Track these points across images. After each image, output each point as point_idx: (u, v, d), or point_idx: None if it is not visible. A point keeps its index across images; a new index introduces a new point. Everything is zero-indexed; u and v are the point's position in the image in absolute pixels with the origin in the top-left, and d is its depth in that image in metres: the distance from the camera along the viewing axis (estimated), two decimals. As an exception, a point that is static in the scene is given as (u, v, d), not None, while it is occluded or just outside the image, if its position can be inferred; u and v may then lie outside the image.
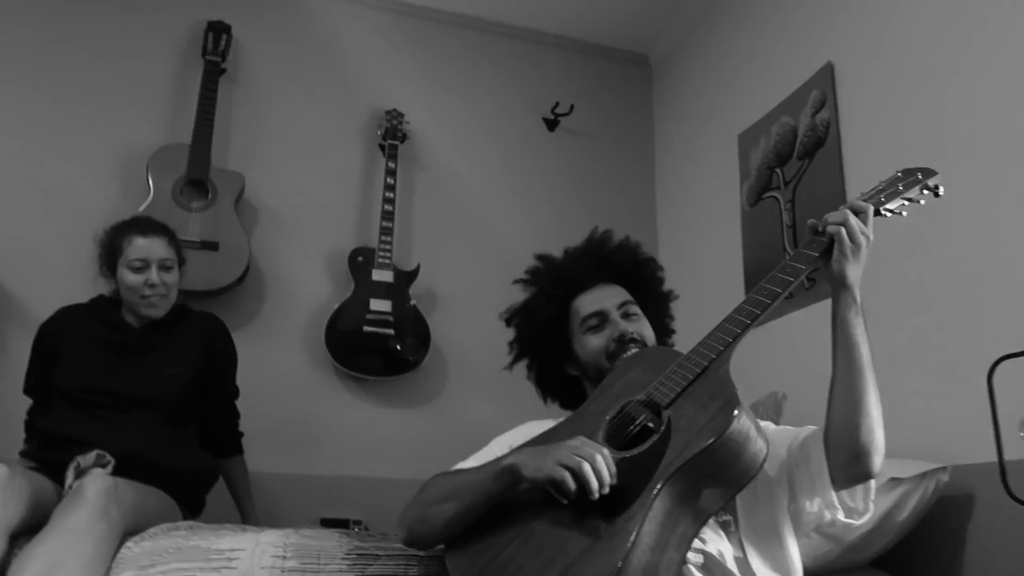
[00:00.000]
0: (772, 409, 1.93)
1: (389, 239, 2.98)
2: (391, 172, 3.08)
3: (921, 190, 1.34)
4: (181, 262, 2.09)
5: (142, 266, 1.96)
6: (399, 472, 2.84)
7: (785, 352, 2.42)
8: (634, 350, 1.47)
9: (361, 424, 2.94)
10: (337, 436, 2.89)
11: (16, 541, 1.39)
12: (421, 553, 1.41)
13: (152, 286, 1.96)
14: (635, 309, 1.55)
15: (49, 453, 1.77)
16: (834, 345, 1.24)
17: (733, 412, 1.13)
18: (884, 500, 1.72)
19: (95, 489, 1.42)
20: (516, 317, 1.66)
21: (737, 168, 2.95)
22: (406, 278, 2.99)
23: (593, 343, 1.51)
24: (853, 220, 1.24)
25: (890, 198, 1.33)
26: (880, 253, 2.07)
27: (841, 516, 1.24)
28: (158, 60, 3.07)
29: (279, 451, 2.73)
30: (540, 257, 1.69)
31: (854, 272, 1.23)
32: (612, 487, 1.13)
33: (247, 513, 2.22)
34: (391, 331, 2.88)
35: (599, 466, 1.10)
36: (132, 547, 1.38)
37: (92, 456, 1.65)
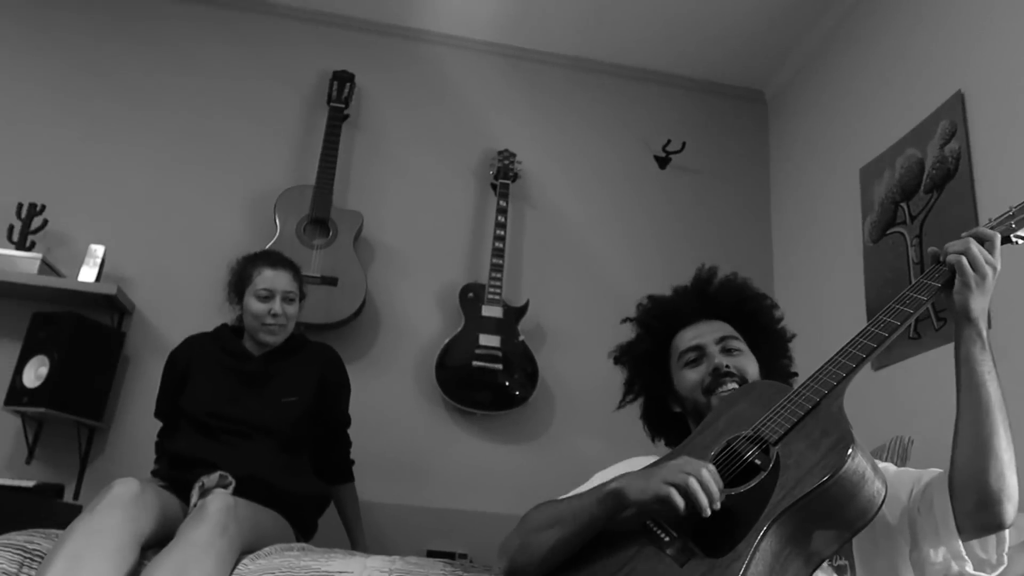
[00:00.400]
0: (898, 455, 1.82)
1: (499, 276, 3.03)
2: (502, 211, 3.15)
3: None
4: (302, 296, 2.21)
5: (267, 296, 2.09)
6: (505, 507, 2.83)
7: (913, 395, 2.28)
8: (731, 384, 1.43)
9: (469, 458, 2.97)
10: (445, 469, 2.94)
11: (145, 552, 1.48)
12: (522, 586, 1.40)
13: (274, 315, 2.08)
14: (737, 344, 1.50)
15: (177, 473, 1.89)
16: (958, 383, 1.17)
17: (847, 450, 1.08)
18: (1027, 558, 1.58)
19: (216, 507, 1.50)
20: (623, 355, 1.66)
21: (859, 203, 2.83)
22: (515, 314, 3.03)
23: (689, 377, 1.48)
24: (976, 248, 1.17)
25: (1021, 224, 1.24)
26: (1015, 281, 1.93)
27: (969, 568, 1.15)
28: (287, 107, 3.28)
29: (389, 481, 2.80)
30: (650, 297, 1.68)
31: (978, 304, 1.16)
32: (717, 526, 1.09)
33: (356, 539, 2.28)
34: (499, 366, 2.91)
35: (706, 481, 1.07)
36: (248, 564, 1.44)
37: (215, 477, 1.74)
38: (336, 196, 3.03)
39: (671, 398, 1.56)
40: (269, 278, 2.10)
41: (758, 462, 1.17)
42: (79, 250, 2.80)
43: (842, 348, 1.23)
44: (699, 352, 1.49)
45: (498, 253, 3.06)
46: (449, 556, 2.71)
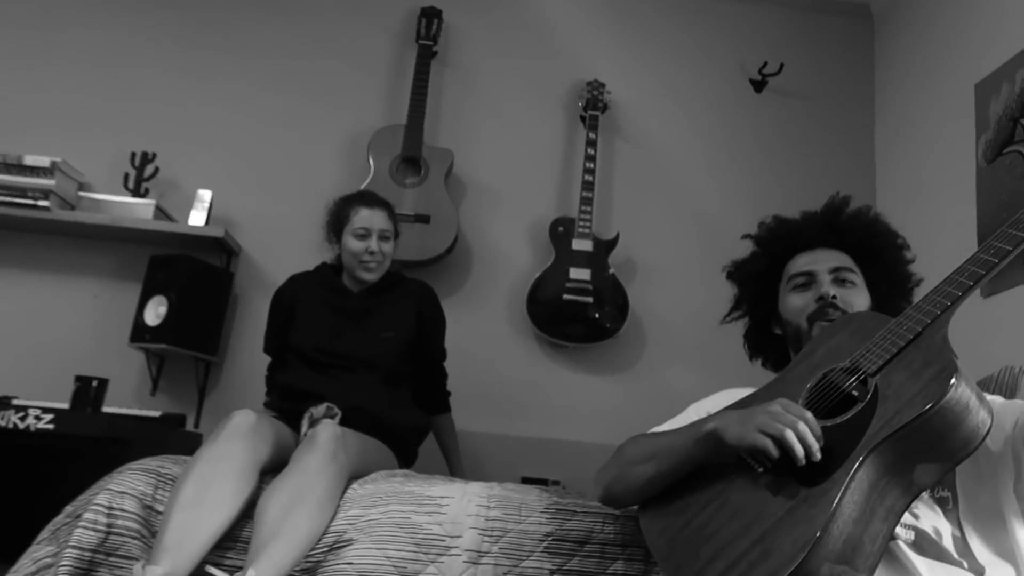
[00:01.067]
0: (1007, 385, 1.74)
1: (589, 209, 3.01)
2: (591, 143, 3.11)
3: None
4: (397, 234, 2.27)
5: (365, 234, 2.16)
6: (597, 437, 2.90)
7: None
8: (835, 316, 1.39)
9: (561, 389, 3.02)
10: (538, 399, 3.00)
11: (263, 477, 1.60)
12: (616, 512, 1.44)
13: (371, 253, 2.15)
14: (852, 277, 1.45)
15: (287, 404, 2.01)
16: None
17: (950, 380, 1.05)
18: None
19: (326, 436, 1.60)
20: (736, 271, 1.63)
21: (973, 121, 2.65)
22: (605, 247, 3.02)
23: (794, 301, 1.45)
24: None
25: None
26: None
27: None
28: (376, 47, 3.30)
29: (485, 412, 2.89)
30: (775, 217, 1.63)
31: None
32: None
33: (455, 466, 2.38)
34: (590, 299, 2.92)
35: (803, 432, 1.07)
36: (357, 488, 1.54)
37: (323, 408, 1.85)
38: (427, 134, 3.06)
39: (774, 320, 1.54)
40: (366, 217, 2.17)
41: (855, 393, 1.15)
42: (188, 195, 2.94)
43: (948, 276, 1.18)
44: (809, 278, 1.45)
45: (588, 186, 3.04)
46: (543, 483, 2.80)
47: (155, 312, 2.72)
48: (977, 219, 2.54)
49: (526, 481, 2.78)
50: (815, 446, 1.06)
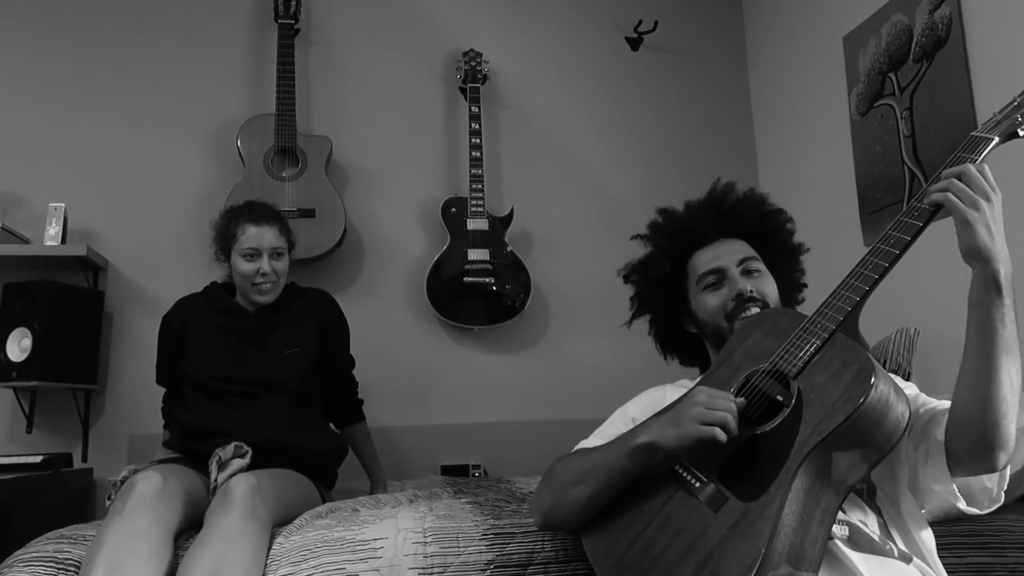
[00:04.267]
0: (904, 347, 1.83)
1: (480, 186, 2.94)
2: (475, 116, 3.02)
3: None
4: (291, 247, 2.12)
5: (254, 254, 2.00)
6: (512, 415, 2.91)
7: (917, 282, 2.24)
8: (753, 309, 1.40)
9: (471, 372, 2.99)
10: (449, 385, 2.96)
11: (177, 540, 1.48)
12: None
13: (263, 274, 1.99)
14: (757, 265, 1.45)
15: (190, 444, 1.87)
16: (967, 324, 1.10)
17: (870, 380, 1.07)
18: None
19: (241, 491, 1.48)
20: (634, 274, 1.60)
21: (844, 74, 2.73)
22: (501, 224, 2.97)
23: (711, 302, 1.44)
24: (959, 183, 1.09)
25: None
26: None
27: (962, 505, 1.16)
28: (233, 31, 3.06)
29: (397, 405, 2.83)
30: (660, 211, 1.60)
31: (982, 241, 1.05)
32: (746, 467, 1.11)
33: (374, 475, 2.29)
34: (491, 279, 2.88)
35: (735, 413, 1.13)
36: (283, 542, 1.44)
37: (231, 449, 1.72)
38: (300, 121, 2.88)
39: (686, 319, 1.52)
40: (254, 236, 2.00)
41: (780, 398, 1.17)
42: (38, 211, 2.68)
43: (853, 269, 1.20)
44: (720, 275, 1.44)
45: (476, 163, 2.96)
46: (463, 469, 2.78)
47: (18, 346, 2.47)
48: (855, 171, 2.64)
49: (446, 470, 2.75)
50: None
